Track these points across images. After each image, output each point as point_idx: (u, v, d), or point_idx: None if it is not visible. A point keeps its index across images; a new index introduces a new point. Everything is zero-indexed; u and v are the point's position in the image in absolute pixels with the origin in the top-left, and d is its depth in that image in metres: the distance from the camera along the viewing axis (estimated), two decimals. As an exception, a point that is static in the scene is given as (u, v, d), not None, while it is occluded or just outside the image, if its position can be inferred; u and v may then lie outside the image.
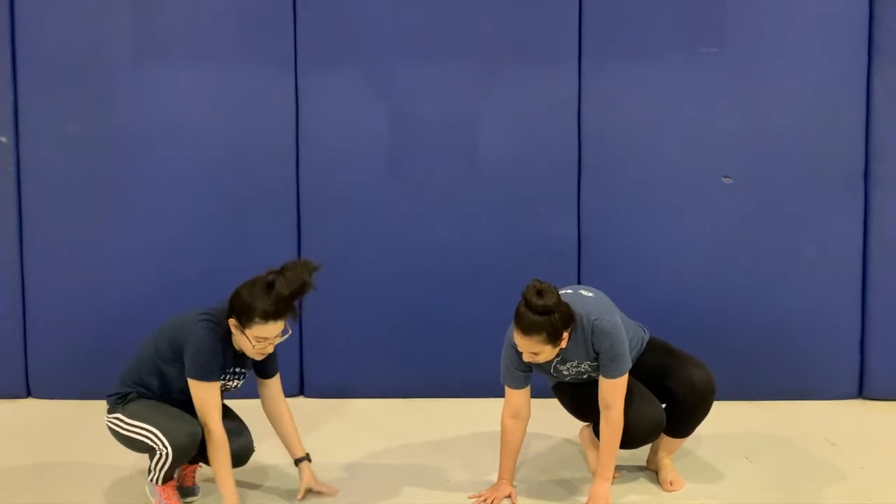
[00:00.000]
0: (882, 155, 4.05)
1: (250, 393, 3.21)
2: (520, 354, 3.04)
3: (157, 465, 2.96)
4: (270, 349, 2.99)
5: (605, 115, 4.07)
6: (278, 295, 2.87)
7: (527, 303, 2.92)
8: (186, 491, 3.19)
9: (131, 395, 3.02)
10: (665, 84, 4.05)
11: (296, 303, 2.94)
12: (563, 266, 4.08)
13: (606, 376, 3.05)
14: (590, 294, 3.15)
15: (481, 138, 4.11)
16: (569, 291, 3.12)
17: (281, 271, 2.91)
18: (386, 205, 4.13)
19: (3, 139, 4.09)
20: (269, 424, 3.19)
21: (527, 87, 4.07)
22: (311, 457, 3.21)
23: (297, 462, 3.17)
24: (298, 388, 4.23)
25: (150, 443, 2.94)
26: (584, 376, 3.18)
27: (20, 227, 4.14)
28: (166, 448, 2.92)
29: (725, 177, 4.08)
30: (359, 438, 3.73)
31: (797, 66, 4.03)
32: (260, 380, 3.15)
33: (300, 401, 4.17)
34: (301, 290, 2.90)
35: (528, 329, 2.92)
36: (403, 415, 4.02)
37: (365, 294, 4.17)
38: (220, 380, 2.99)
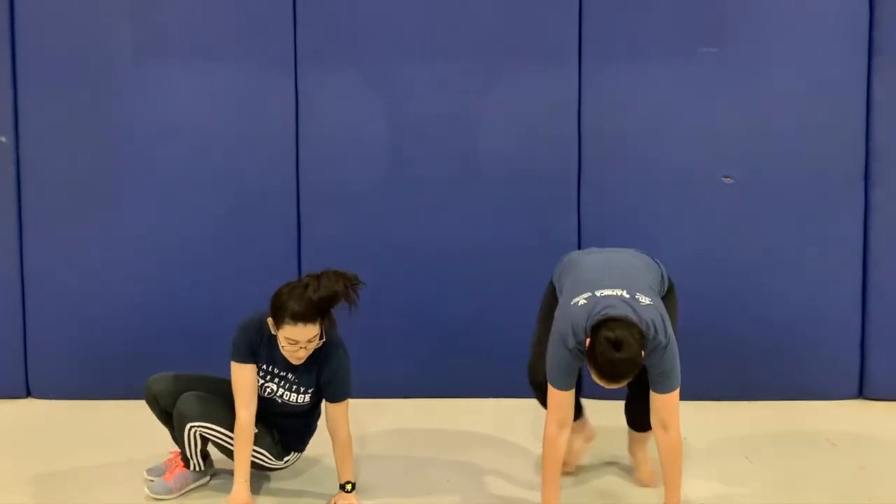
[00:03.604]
0: (882, 155, 4.05)
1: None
2: (576, 358, 2.80)
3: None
4: (303, 354, 3.01)
5: (605, 115, 4.07)
6: (308, 298, 2.93)
7: (609, 361, 2.65)
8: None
9: None
10: (665, 84, 4.05)
11: (330, 311, 3.00)
12: (564, 266, 4.08)
13: (657, 392, 2.80)
14: (647, 301, 2.84)
15: (482, 138, 4.11)
16: (626, 296, 2.82)
17: (318, 276, 2.99)
18: (386, 204, 4.13)
19: (3, 139, 4.08)
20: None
21: (527, 87, 4.07)
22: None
23: (340, 486, 3.19)
24: (298, 388, 4.23)
25: None
26: None
27: (20, 227, 4.13)
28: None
29: (725, 177, 4.08)
30: (359, 438, 3.72)
31: (797, 67, 4.03)
32: (325, 402, 3.18)
33: (300, 401, 4.17)
34: (331, 298, 2.96)
35: (617, 379, 2.70)
36: (404, 415, 4.02)
37: (364, 294, 4.15)
38: (248, 364, 3.07)
